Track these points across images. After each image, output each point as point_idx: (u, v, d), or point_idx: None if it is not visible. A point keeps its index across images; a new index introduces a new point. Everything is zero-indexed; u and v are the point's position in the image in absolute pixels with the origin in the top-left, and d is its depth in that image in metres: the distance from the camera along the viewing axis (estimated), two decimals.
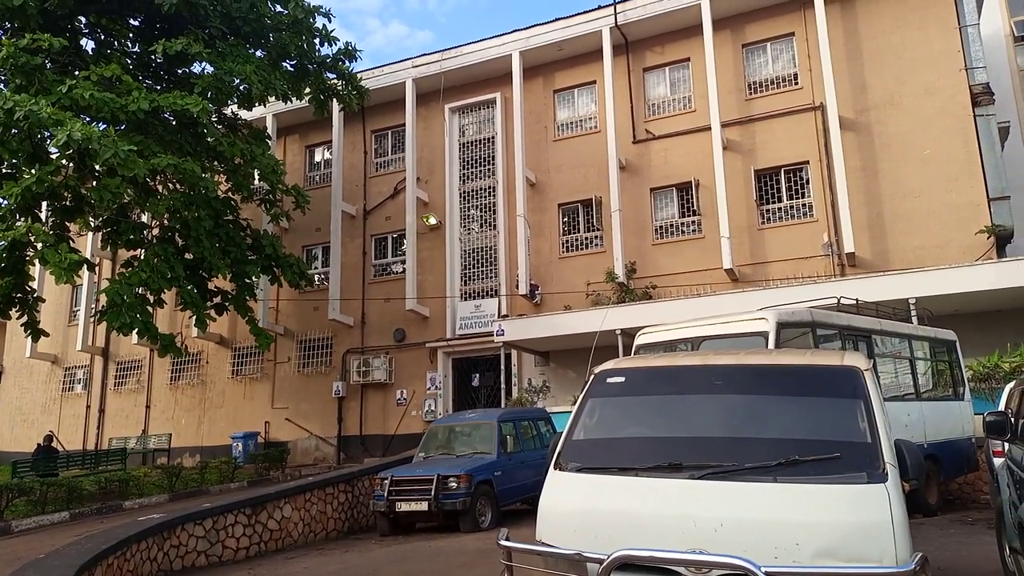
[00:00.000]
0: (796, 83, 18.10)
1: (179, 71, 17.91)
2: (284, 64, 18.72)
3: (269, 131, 21.97)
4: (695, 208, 18.52)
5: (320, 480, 13.23)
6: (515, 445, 12.75)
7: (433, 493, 11.18)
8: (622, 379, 4.72)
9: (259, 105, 18.39)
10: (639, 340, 10.31)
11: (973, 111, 16.25)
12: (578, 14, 19.98)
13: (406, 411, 20.63)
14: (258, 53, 18.02)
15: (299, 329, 22.71)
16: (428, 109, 22.04)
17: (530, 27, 20.55)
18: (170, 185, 16.96)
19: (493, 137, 21.43)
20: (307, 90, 19.43)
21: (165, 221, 17.05)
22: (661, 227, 19.12)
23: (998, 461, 7.15)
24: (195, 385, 24.06)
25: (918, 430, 10.17)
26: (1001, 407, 8.44)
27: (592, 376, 4.83)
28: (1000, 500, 5.94)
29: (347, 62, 19.45)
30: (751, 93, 18.57)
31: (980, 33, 16.97)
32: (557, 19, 20.24)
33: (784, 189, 17.90)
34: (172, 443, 22.55)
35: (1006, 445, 5.97)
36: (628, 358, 5.07)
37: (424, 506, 11.28)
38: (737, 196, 17.81)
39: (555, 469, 4.29)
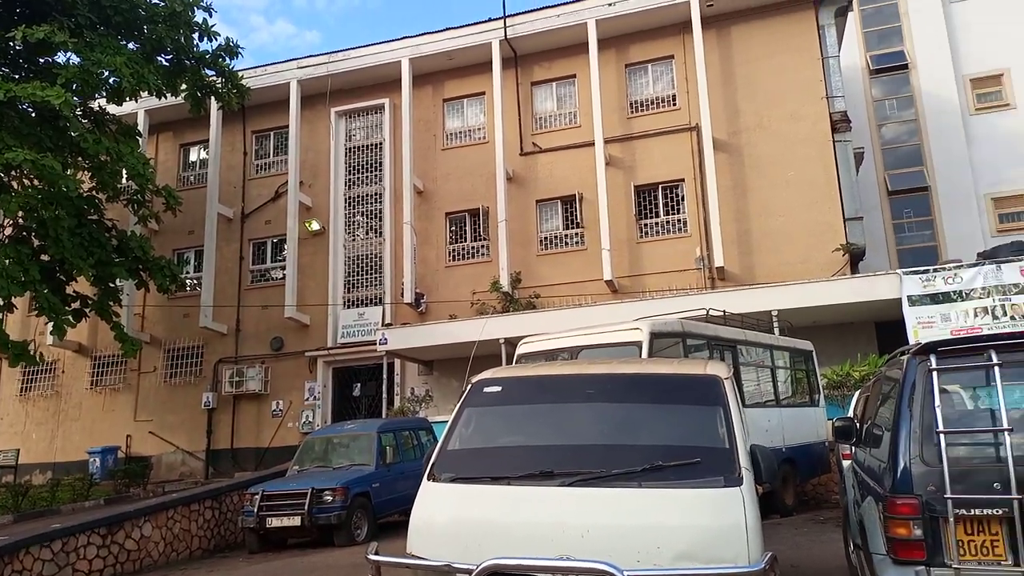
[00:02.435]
0: (675, 104, 18.92)
1: (41, 60, 16.58)
2: (159, 58, 17.68)
3: (140, 128, 20.70)
4: (579, 221, 18.96)
5: (184, 496, 12.52)
6: (395, 456, 12.55)
7: (307, 507, 10.82)
8: (499, 388, 4.75)
9: (130, 100, 17.29)
10: (520, 349, 10.44)
11: (833, 137, 17.52)
12: (468, 25, 20.06)
13: (282, 423, 19.91)
14: (131, 45, 16.94)
15: (167, 337, 21.46)
16: (314, 112, 21.47)
17: (420, 35, 20.43)
18: (26, 181, 15.66)
19: (381, 143, 21.16)
20: (183, 86, 18.43)
21: (20, 219, 15.71)
22: (546, 238, 19.45)
23: (846, 463, 7.69)
24: (49, 396, 22.23)
25: (777, 435, 10.80)
26: (850, 413, 9.08)
27: (469, 386, 4.83)
28: (846, 500, 6.38)
29: (228, 59, 18.56)
30: (633, 112, 19.24)
31: (840, 65, 18.33)
32: (447, 28, 20.24)
33: (661, 205, 18.63)
34: (20, 459, 20.75)
35: (853, 449, 6.41)
36: (505, 368, 5.13)
37: (297, 521, 10.88)
38: (618, 210, 18.37)
39: (428, 480, 4.25)
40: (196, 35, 17.77)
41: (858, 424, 6.13)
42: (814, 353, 12.75)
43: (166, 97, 18.26)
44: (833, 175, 17.24)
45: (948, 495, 3.85)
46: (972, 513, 3.86)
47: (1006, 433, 3.86)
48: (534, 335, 10.90)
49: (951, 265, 14.43)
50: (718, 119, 18.02)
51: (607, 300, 17.24)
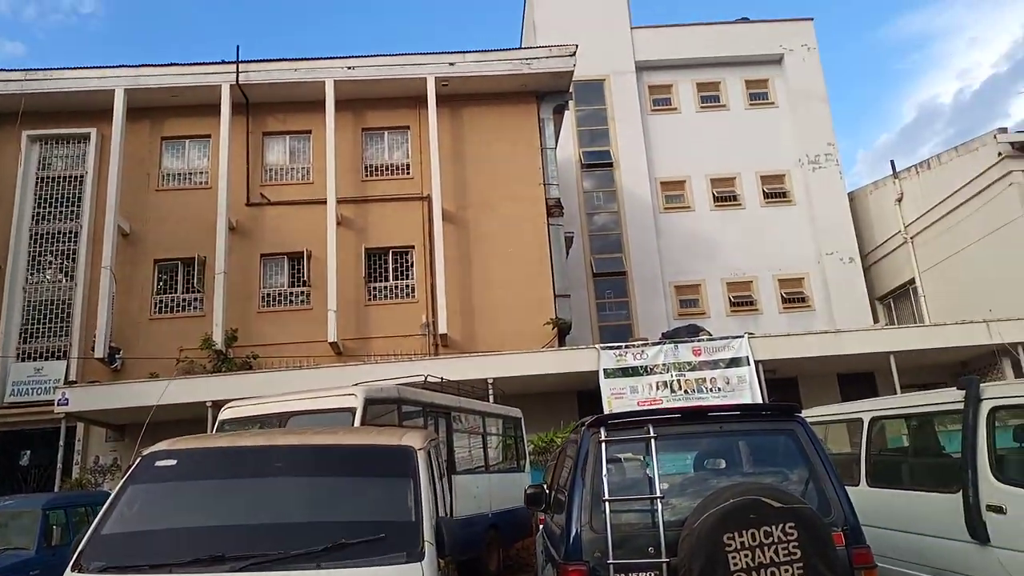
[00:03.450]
0: (408, 173, 19.44)
1: None
2: None
3: None
4: (305, 279, 18.41)
5: None
6: (64, 537, 10.74)
7: None
8: (174, 462, 4.28)
9: None
10: (223, 415, 9.66)
11: (548, 220, 19.13)
12: (197, 64, 18.97)
13: None
14: None
15: None
16: (1, 132, 18.60)
17: (141, 66, 18.88)
18: None
19: (83, 176, 18.90)
20: None
21: None
22: (269, 295, 18.57)
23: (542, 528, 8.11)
24: None
25: (485, 501, 11.11)
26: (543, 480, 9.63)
27: (139, 459, 4.31)
28: (537, 565, 6.69)
29: None
30: (367, 175, 19.39)
31: (556, 156, 20.24)
32: (173, 64, 18.93)
33: (391, 269, 18.83)
34: None
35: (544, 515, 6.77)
36: (185, 438, 4.63)
37: None
38: (347, 271, 18.18)
39: (73, 571, 3.65)
40: None
41: (548, 491, 6.49)
42: (522, 420, 13.45)
43: None
44: (547, 255, 18.77)
45: (610, 560, 4.17)
46: None
47: (659, 501, 4.31)
48: (243, 399, 10.19)
49: (639, 343, 16.29)
50: (448, 192, 18.81)
51: (331, 363, 16.81)
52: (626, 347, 15.96)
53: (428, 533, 3.85)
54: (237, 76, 18.69)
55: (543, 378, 15.93)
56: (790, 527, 4.01)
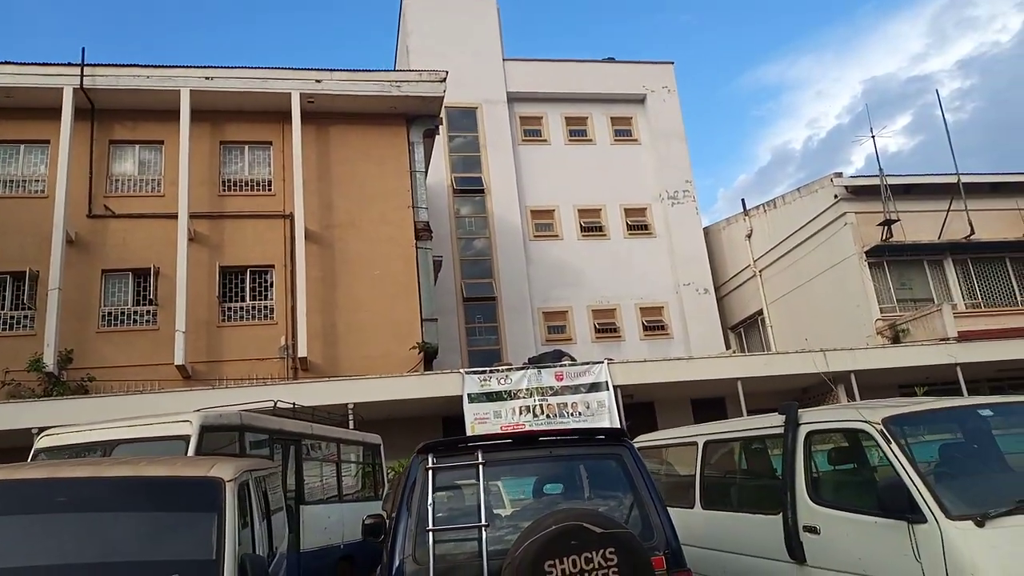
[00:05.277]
0: (270, 189, 18.70)
1: None
2: None
3: None
4: (152, 297, 17.23)
5: None
6: None
7: None
8: None
9: None
10: (39, 443, 8.77)
11: (416, 243, 18.92)
12: (38, 64, 17.51)
13: None
14: None
15: None
16: None
17: None
18: None
19: None
20: None
21: None
22: (110, 313, 17.23)
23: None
24: None
25: (337, 532, 10.68)
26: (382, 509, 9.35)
27: None
28: None
29: None
30: (225, 190, 18.49)
31: (426, 180, 20.12)
32: (8, 62, 17.37)
33: (248, 289, 17.96)
34: None
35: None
36: None
37: None
38: (199, 290, 17.20)
39: None
40: None
41: (387, 520, 6.26)
42: (382, 447, 13.09)
43: None
44: (414, 278, 18.53)
45: None
46: None
47: (483, 529, 4.21)
48: (69, 425, 9.31)
49: (503, 368, 16.34)
50: (312, 211, 18.24)
51: (177, 387, 15.75)
52: (490, 372, 15.95)
53: (229, 571, 3.57)
54: (82, 80, 17.37)
55: (407, 403, 15.62)
56: (610, 552, 4.01)
